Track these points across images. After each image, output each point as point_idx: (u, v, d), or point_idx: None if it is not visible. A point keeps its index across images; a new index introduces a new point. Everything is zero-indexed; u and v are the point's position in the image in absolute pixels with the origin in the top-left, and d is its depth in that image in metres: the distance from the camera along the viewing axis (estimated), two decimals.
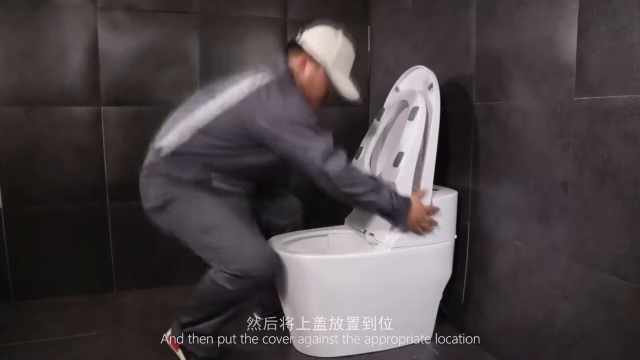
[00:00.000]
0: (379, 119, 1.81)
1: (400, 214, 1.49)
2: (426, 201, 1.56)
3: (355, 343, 1.61)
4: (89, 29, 2.03)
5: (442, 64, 1.82)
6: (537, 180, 1.39)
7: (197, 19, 2.15)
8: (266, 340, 1.73)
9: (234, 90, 1.43)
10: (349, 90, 1.55)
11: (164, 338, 1.54)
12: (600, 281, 1.20)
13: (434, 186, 1.62)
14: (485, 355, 1.62)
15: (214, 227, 1.43)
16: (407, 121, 1.57)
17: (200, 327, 1.48)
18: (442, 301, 1.73)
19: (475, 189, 1.67)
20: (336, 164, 1.39)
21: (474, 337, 1.70)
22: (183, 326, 1.49)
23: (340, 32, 1.55)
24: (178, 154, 1.44)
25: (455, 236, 1.68)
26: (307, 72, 1.51)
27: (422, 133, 1.54)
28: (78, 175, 2.07)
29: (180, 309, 1.54)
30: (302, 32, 1.54)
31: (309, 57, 1.51)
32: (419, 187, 1.57)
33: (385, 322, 1.62)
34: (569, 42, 1.25)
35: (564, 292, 1.31)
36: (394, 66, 1.82)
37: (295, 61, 1.52)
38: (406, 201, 1.50)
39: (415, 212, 1.51)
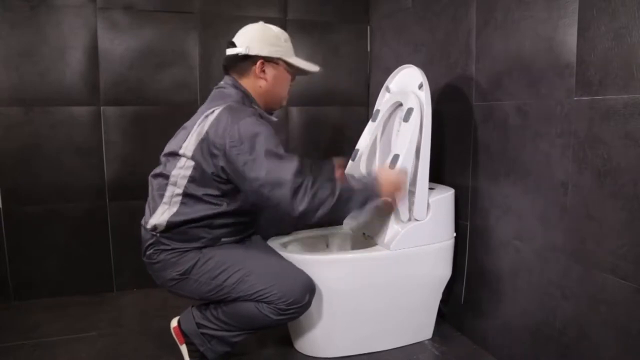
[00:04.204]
0: (374, 120, 1.81)
1: (374, 195, 1.42)
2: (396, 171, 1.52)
3: (355, 343, 1.61)
4: (88, 29, 2.03)
5: (442, 64, 1.82)
6: (537, 180, 1.39)
7: (197, 19, 2.15)
8: (266, 340, 1.73)
9: (193, 138, 1.38)
10: (310, 67, 1.55)
11: (171, 327, 1.51)
12: (599, 281, 1.20)
13: (430, 184, 1.62)
14: (485, 355, 1.62)
15: (247, 273, 1.38)
16: (402, 122, 1.57)
17: (222, 334, 1.44)
18: (441, 301, 1.73)
19: (475, 189, 1.67)
20: (305, 202, 1.30)
21: (474, 337, 1.70)
22: (199, 326, 1.45)
23: (265, 24, 1.51)
24: (175, 226, 1.39)
25: (455, 234, 1.69)
26: (269, 75, 1.47)
27: (417, 134, 1.54)
28: (78, 175, 2.08)
29: (179, 309, 1.53)
30: (233, 47, 1.47)
31: (263, 61, 1.46)
32: (414, 187, 1.56)
33: (385, 322, 1.63)
34: (569, 42, 1.25)
35: (564, 292, 1.31)
36: (394, 66, 1.82)
37: (248, 76, 1.47)
38: (374, 180, 1.44)
39: (386, 182, 1.45)
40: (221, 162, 1.34)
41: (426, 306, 1.70)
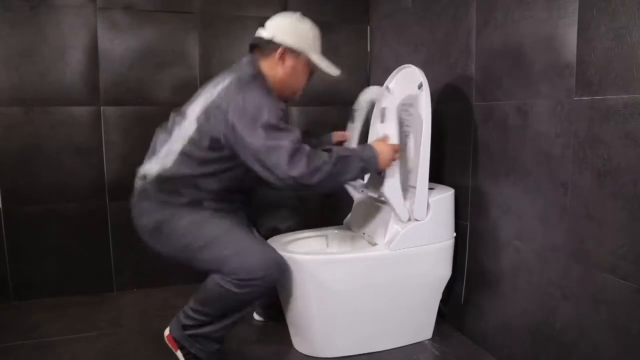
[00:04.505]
0: (352, 121, 1.79)
1: (371, 161, 1.45)
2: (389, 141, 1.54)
3: (355, 343, 1.61)
4: (88, 29, 2.02)
5: (442, 64, 1.82)
6: (537, 180, 1.39)
7: (197, 19, 2.15)
8: (266, 340, 1.73)
9: (201, 102, 1.44)
10: (331, 69, 1.56)
11: (164, 336, 1.53)
12: (599, 281, 1.20)
13: (430, 184, 1.62)
14: (484, 355, 1.62)
15: (214, 238, 1.42)
16: (379, 124, 1.58)
17: (205, 330, 1.46)
18: (441, 301, 1.73)
19: (475, 189, 1.67)
20: (301, 165, 1.32)
21: (474, 337, 1.70)
22: (185, 327, 1.47)
23: (301, 16, 1.54)
24: (163, 179, 1.44)
25: (455, 234, 1.69)
26: (288, 64, 1.50)
27: (397, 133, 1.55)
28: (78, 175, 2.08)
29: (178, 309, 1.53)
30: (263, 29, 1.52)
31: (286, 50, 1.49)
32: (414, 186, 1.56)
33: (385, 322, 1.63)
34: (568, 42, 1.25)
35: (564, 292, 1.31)
36: (394, 66, 1.82)
37: (268, 59, 1.50)
38: (370, 148, 1.47)
39: (383, 154, 1.48)
40: (222, 126, 1.36)
41: (426, 306, 1.70)
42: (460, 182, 1.72)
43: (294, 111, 2.35)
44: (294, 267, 1.53)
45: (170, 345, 1.51)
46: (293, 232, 1.77)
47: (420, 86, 1.60)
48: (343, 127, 2.44)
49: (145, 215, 1.48)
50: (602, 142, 1.17)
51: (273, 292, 1.70)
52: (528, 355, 1.45)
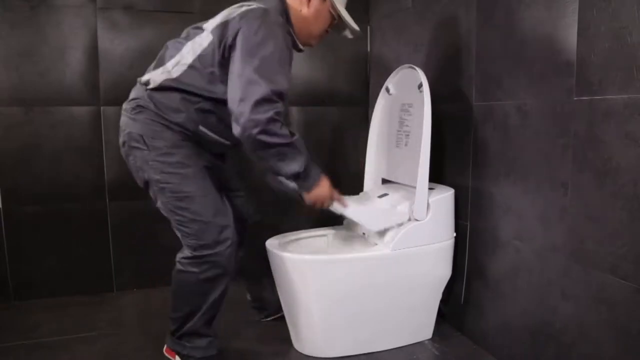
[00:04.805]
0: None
1: (308, 182, 1.43)
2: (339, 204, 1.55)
3: (355, 343, 1.61)
4: (88, 29, 2.02)
5: (442, 64, 1.82)
6: (537, 180, 1.39)
7: (197, 19, 2.13)
8: (266, 340, 1.73)
9: (220, 17, 1.41)
10: (350, 22, 1.55)
11: (164, 351, 1.55)
12: (599, 281, 1.20)
13: (430, 184, 1.62)
14: (484, 355, 1.62)
15: (188, 196, 1.40)
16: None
17: (189, 326, 1.47)
18: (441, 301, 1.73)
19: (475, 189, 1.67)
20: (265, 116, 1.28)
21: (474, 337, 1.70)
22: (173, 333, 1.50)
23: None
24: (165, 88, 1.39)
25: (455, 234, 1.69)
26: (313, 6, 1.49)
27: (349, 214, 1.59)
28: (78, 175, 2.07)
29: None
30: None
31: None
32: (414, 186, 1.56)
33: (385, 322, 1.63)
34: (568, 42, 1.25)
35: (564, 292, 1.31)
36: (394, 66, 1.82)
37: None
38: (318, 173, 1.46)
39: (321, 189, 1.46)
40: (230, 42, 1.34)
41: (426, 306, 1.70)
42: (460, 182, 1.72)
43: (294, 111, 2.35)
44: (294, 267, 1.53)
45: (169, 356, 1.53)
46: (293, 232, 1.77)
47: (420, 86, 1.60)
48: (343, 128, 2.44)
49: (140, 126, 1.40)
50: (602, 142, 1.17)
51: (273, 292, 1.70)
52: (528, 355, 1.45)
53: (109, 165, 2.10)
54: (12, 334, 1.76)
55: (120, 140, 1.46)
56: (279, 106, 1.31)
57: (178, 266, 1.46)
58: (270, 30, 1.34)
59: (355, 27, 1.56)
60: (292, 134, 1.37)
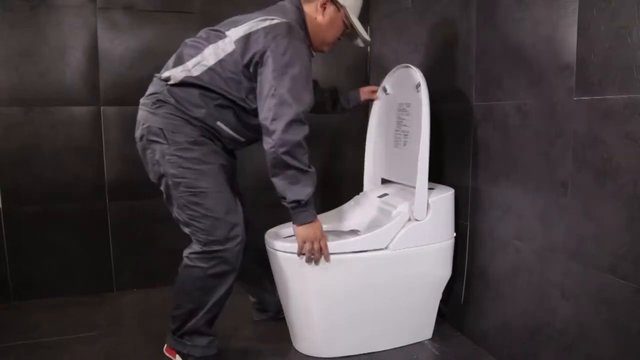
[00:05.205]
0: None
1: (303, 214, 1.44)
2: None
3: (355, 343, 1.61)
4: (88, 29, 2.02)
5: (442, 64, 1.82)
6: (537, 180, 1.39)
7: (197, 19, 2.14)
8: (266, 340, 1.73)
9: (244, 28, 1.42)
10: (362, 32, 1.59)
11: (164, 351, 1.55)
12: (599, 281, 1.20)
13: (430, 184, 1.62)
14: (484, 355, 1.62)
15: (203, 192, 1.42)
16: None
17: (190, 325, 1.47)
18: (441, 301, 1.73)
19: (474, 189, 1.67)
20: (294, 135, 1.36)
21: (474, 337, 1.70)
22: (174, 332, 1.51)
23: None
24: (186, 84, 1.42)
25: (455, 234, 1.69)
26: (327, 14, 1.53)
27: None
28: (78, 175, 2.07)
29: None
30: None
31: (329, 1, 1.52)
32: (414, 186, 1.56)
33: (385, 322, 1.63)
34: (568, 42, 1.25)
35: (564, 292, 1.31)
36: (393, 66, 1.82)
37: (311, 4, 1.53)
38: (315, 214, 1.46)
39: (312, 230, 1.46)
40: (257, 58, 1.38)
41: (426, 306, 1.70)
42: (460, 182, 1.72)
43: None
44: (294, 267, 1.53)
45: (170, 356, 1.53)
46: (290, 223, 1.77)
47: (418, 86, 1.60)
48: (343, 127, 2.44)
49: (160, 120, 1.42)
50: (602, 142, 1.17)
51: (273, 292, 1.70)
52: (528, 355, 1.45)
53: (109, 165, 2.10)
54: (12, 334, 1.76)
55: (138, 134, 1.47)
56: (306, 129, 1.39)
57: (186, 261, 1.46)
58: (296, 49, 1.39)
59: (367, 37, 1.62)
60: (309, 165, 1.43)
